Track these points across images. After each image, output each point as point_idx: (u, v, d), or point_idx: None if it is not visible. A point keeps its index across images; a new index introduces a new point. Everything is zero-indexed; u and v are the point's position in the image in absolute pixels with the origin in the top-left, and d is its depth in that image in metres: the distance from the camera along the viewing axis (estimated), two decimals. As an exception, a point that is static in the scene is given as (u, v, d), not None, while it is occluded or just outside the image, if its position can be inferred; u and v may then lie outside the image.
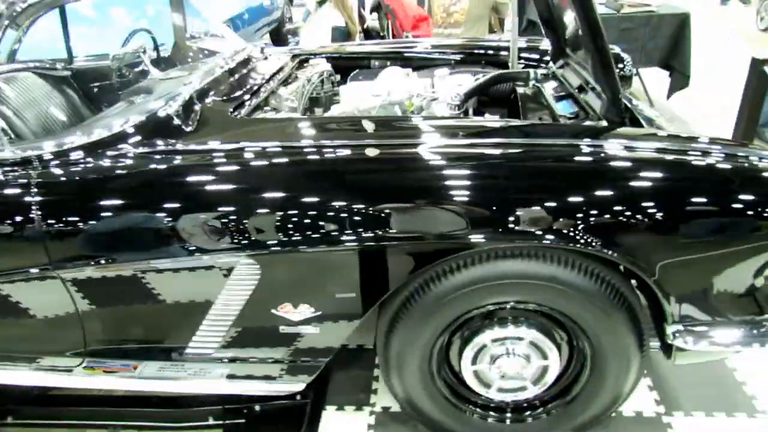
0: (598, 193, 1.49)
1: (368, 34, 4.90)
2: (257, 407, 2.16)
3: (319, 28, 4.15)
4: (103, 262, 1.63)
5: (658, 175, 1.50)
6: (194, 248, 1.57)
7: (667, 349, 1.64)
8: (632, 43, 4.39)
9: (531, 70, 2.41)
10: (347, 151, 1.62)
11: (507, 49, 2.71)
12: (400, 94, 2.18)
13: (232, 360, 1.78)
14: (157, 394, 2.06)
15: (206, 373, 1.82)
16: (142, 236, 1.60)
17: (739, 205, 1.46)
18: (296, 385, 1.83)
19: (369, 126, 1.75)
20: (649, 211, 1.45)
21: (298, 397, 2.13)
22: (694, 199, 1.47)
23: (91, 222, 1.61)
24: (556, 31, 2.37)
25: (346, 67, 2.79)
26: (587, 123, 1.88)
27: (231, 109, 1.95)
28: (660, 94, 4.83)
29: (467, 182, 1.54)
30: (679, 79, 4.48)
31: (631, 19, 4.33)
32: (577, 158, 1.57)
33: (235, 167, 1.62)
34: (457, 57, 2.79)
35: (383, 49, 2.92)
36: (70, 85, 3.18)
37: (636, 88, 5.07)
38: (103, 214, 1.61)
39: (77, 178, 1.65)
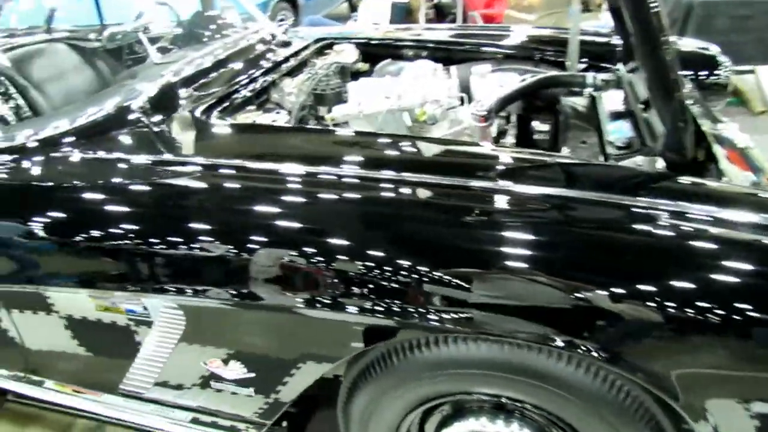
0: (605, 277, 1.06)
1: (440, 10, 4.43)
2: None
3: (377, 3, 3.76)
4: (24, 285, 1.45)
5: (709, 261, 1.05)
6: (122, 285, 1.33)
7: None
8: (748, 33, 3.66)
9: (590, 74, 1.91)
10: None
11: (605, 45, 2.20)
12: (414, 98, 1.79)
13: (196, 409, 1.56)
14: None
15: (169, 413, 1.61)
16: (51, 260, 1.40)
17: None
18: None
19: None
20: (679, 309, 1.01)
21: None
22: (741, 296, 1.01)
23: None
24: (626, 26, 1.87)
25: (377, 55, 2.41)
26: (637, 160, 1.41)
27: (201, 108, 1.65)
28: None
29: (446, 244, 1.14)
30: (807, 80, 3.72)
31: (748, 4, 3.59)
32: (596, 227, 1.14)
33: (170, 189, 1.33)
34: (510, 51, 2.32)
35: (424, 37, 2.50)
36: (102, 58, 3.02)
37: (750, 89, 4.31)
38: (18, 230, 1.39)
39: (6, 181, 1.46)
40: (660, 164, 1.36)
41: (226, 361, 1.35)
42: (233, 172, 1.34)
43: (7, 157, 1.50)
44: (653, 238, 1.10)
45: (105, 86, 2.84)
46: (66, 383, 1.71)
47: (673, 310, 1.02)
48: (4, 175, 1.48)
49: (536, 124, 1.99)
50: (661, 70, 1.23)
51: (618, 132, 1.59)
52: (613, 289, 1.04)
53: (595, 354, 1.07)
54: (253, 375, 1.35)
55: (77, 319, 1.46)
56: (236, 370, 1.35)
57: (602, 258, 1.10)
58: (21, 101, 2.14)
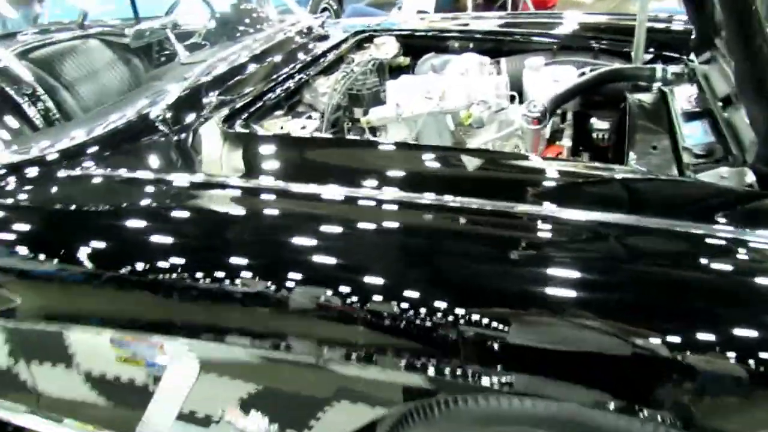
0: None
1: (489, -4, 4.20)
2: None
3: (423, -9, 3.57)
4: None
5: None
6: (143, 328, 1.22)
7: None
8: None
9: (658, 67, 1.69)
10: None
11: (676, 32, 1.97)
12: (458, 98, 1.61)
13: None
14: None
15: None
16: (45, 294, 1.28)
17: None
18: None
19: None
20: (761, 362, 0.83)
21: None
22: None
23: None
24: (700, 8, 1.63)
25: (421, 48, 2.23)
26: (722, 172, 1.19)
27: (224, 115, 1.52)
28: None
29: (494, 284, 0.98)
30: None
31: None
32: (667, 264, 0.96)
33: (186, 212, 1.21)
34: (565, 41, 2.10)
35: (472, 26, 2.30)
36: (137, 54, 2.93)
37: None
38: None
39: (11, 200, 1.35)
40: (750, 178, 1.15)
41: (245, 411, 1.22)
42: (255, 195, 1.21)
43: (26, 173, 1.39)
44: (733, 276, 0.91)
45: (139, 86, 2.75)
46: (85, 423, 1.61)
47: (754, 363, 0.84)
48: (25, 195, 1.35)
49: (595, 121, 1.78)
50: (755, 61, 1.02)
51: (694, 137, 1.37)
52: (681, 338, 0.86)
53: (661, 419, 0.89)
54: (275, 427, 1.21)
55: (96, 369, 1.34)
56: (257, 421, 1.22)
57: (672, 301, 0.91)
58: (50, 104, 2.05)
